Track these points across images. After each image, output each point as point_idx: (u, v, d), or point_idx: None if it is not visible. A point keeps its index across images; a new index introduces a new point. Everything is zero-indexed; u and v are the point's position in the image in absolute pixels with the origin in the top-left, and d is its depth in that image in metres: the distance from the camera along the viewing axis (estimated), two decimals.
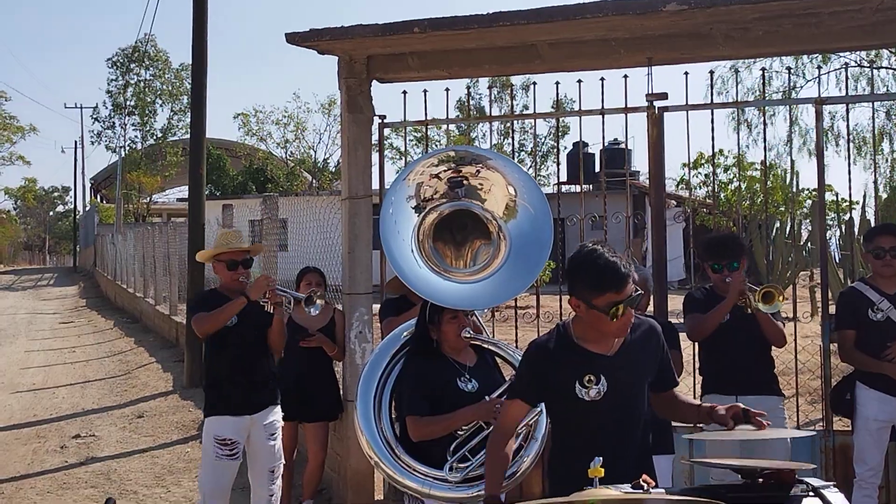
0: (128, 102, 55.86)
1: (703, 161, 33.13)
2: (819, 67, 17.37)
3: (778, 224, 28.98)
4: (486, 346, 4.67)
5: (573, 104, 6.89)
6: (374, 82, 6.96)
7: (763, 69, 6.58)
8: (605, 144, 6.59)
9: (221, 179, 50.17)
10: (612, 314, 3.19)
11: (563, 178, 29.81)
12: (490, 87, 7.97)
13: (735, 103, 6.51)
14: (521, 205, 4.61)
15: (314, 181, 47.60)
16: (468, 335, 4.50)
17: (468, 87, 7.19)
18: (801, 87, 19.21)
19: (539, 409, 4.45)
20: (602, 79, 6.51)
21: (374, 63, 6.84)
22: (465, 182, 4.60)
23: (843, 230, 15.92)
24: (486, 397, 4.34)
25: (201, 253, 5.86)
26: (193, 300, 5.79)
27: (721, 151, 32.84)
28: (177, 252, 19.10)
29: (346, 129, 6.89)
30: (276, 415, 5.71)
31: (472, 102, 43.66)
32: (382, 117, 7.04)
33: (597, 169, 28.40)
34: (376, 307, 6.88)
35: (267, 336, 5.66)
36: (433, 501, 4.40)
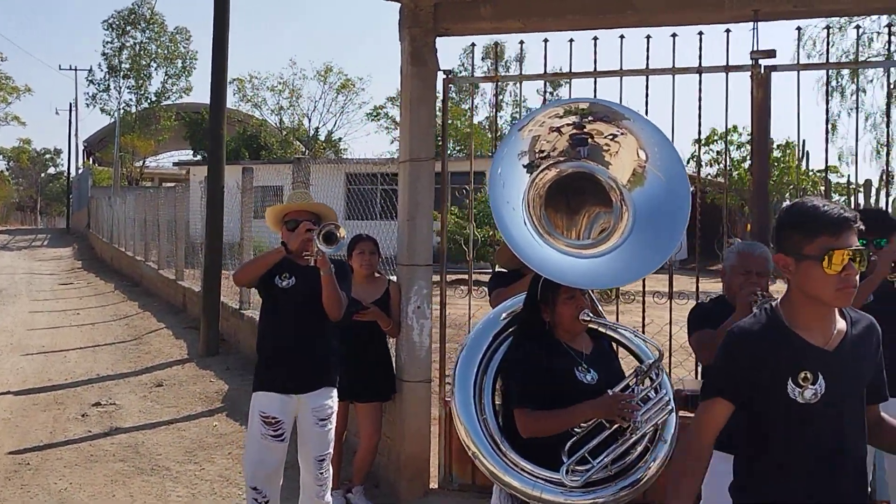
0: (123, 65, 55.40)
1: (715, 137, 32.43)
2: None
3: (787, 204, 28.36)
4: (605, 330, 4.07)
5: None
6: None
7: (858, 27, 5.94)
8: (700, 108, 5.96)
9: None
10: (826, 261, 2.61)
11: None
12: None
13: (855, 63, 5.90)
14: (651, 172, 3.98)
15: (307, 151, 46.97)
16: (587, 318, 3.89)
17: (495, 44, 6.64)
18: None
19: (669, 406, 3.89)
20: (700, 33, 5.85)
21: (442, 11, 6.20)
22: (589, 140, 3.98)
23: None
24: (609, 391, 3.75)
25: (269, 217, 5.19)
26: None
27: (735, 128, 32.24)
28: (185, 216, 18.52)
29: (407, 85, 6.25)
30: (329, 398, 5.04)
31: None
32: (448, 72, 6.40)
33: None
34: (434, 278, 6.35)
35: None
36: None
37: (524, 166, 3.99)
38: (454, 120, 38.68)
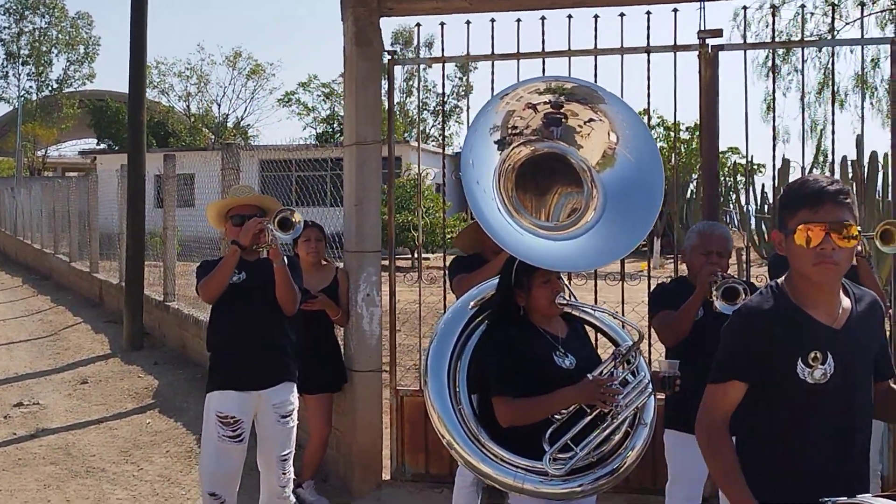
0: (22, 51, 53.89)
1: None
2: (862, 5, 15.79)
3: (693, 187, 28.75)
4: (579, 314, 3.99)
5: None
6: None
7: (802, 6, 5.96)
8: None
9: (120, 133, 48.52)
10: (802, 236, 2.55)
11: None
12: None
13: (800, 42, 5.91)
14: (622, 154, 3.90)
15: (215, 138, 46.17)
16: (564, 301, 3.80)
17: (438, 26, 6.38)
18: (839, 29, 17.55)
19: (648, 389, 3.82)
20: (648, 13, 5.82)
21: None
22: (563, 121, 3.88)
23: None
24: (589, 375, 3.67)
25: (210, 213, 4.98)
26: (199, 267, 4.94)
27: (645, 111, 32.68)
28: (97, 206, 17.97)
29: (352, 66, 6.07)
30: (290, 393, 4.88)
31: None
32: (392, 53, 6.25)
33: None
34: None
35: None
36: (521, 496, 3.73)
37: (496, 142, 3.86)
38: None
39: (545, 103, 3.84)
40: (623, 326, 4.03)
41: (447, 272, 5.25)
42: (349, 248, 6.16)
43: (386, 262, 6.25)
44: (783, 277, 2.75)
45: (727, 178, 26.42)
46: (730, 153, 30.38)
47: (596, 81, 5.87)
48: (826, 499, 2.40)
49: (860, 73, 17.65)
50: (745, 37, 5.66)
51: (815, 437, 2.64)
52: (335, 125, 40.60)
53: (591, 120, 3.88)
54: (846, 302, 2.70)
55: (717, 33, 5.70)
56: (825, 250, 2.55)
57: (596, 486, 3.68)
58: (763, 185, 15.09)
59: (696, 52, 5.73)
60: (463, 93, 44.62)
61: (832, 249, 2.55)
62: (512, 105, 3.84)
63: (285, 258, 4.73)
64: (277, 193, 11.28)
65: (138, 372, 10.30)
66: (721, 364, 2.75)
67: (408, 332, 8.78)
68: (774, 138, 5.67)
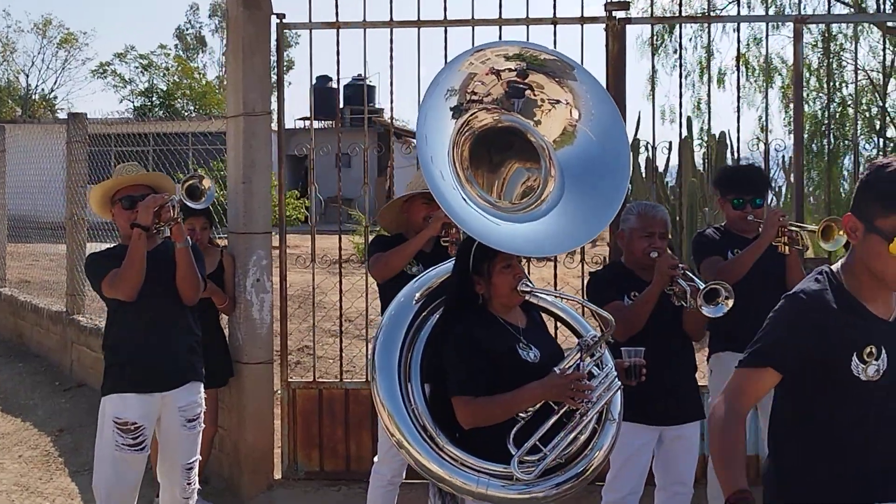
0: None
1: None
2: None
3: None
4: (539, 301, 3.70)
5: None
6: None
7: None
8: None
9: None
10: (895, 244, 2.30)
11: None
12: None
13: (706, 17, 5.79)
14: (582, 130, 3.61)
15: (21, 112, 43.28)
16: (527, 288, 3.49)
17: None
18: (722, 8, 17.18)
19: (616, 382, 3.56)
20: None
21: None
22: (525, 93, 3.56)
23: None
24: (556, 369, 3.38)
25: (94, 198, 4.35)
26: (92, 263, 4.29)
27: None
28: None
29: (238, 30, 5.56)
30: (197, 394, 4.38)
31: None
32: (281, 16, 5.75)
33: (341, 105, 27.00)
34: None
35: None
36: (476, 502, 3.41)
37: (451, 108, 3.49)
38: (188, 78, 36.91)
39: (510, 70, 3.50)
40: (584, 315, 3.77)
41: (367, 252, 4.82)
42: (235, 229, 5.65)
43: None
44: (838, 264, 2.51)
45: None
46: None
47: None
48: None
49: (749, 50, 17.67)
50: (652, 10, 5.50)
51: (866, 437, 2.44)
52: (154, 98, 38.69)
53: (555, 96, 3.58)
54: None
55: (625, 6, 5.55)
56: None
57: (560, 490, 3.40)
58: None
59: (604, 25, 5.55)
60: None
61: None
62: (475, 67, 3.48)
63: (189, 240, 4.23)
64: (97, 169, 10.51)
65: None
66: (760, 348, 2.48)
67: (299, 319, 8.27)
68: (681, 114, 5.54)
